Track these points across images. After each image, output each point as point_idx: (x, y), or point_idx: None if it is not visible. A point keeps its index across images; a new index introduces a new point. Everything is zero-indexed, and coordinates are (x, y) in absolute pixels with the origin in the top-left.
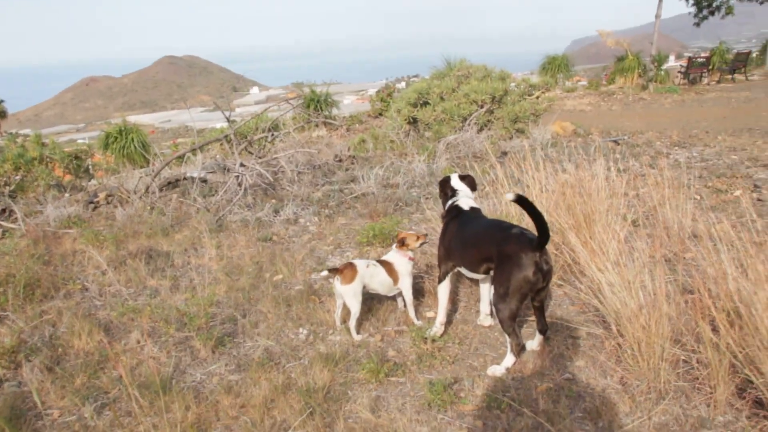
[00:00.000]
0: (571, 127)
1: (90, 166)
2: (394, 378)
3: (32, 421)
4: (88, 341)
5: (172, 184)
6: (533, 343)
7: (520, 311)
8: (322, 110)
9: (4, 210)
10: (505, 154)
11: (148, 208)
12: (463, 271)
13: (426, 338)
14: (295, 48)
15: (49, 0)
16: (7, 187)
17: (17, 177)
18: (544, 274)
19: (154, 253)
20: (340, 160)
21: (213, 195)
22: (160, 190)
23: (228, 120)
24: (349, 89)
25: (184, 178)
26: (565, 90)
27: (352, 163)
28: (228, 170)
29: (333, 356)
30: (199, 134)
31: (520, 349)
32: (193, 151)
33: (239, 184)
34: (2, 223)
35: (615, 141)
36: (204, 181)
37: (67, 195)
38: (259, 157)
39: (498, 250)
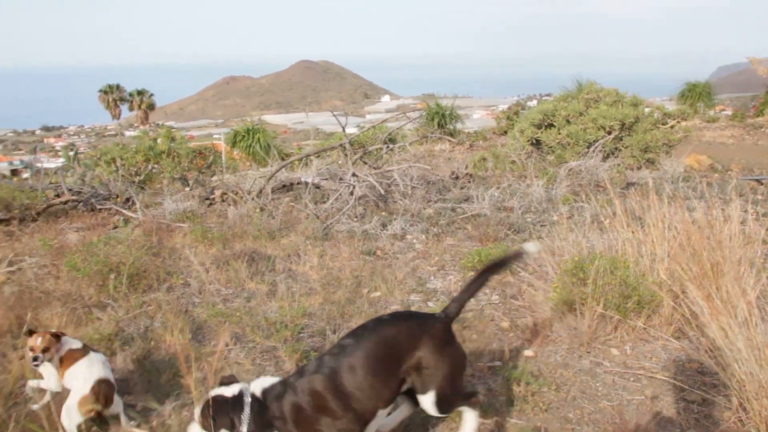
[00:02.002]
0: (707, 161)
1: (214, 163)
2: (480, 420)
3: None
4: (179, 338)
5: (286, 187)
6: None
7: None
8: (445, 124)
9: (128, 199)
10: (630, 185)
11: (259, 209)
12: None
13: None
14: (427, 58)
15: (199, 1)
16: (137, 177)
17: (146, 168)
18: None
19: (257, 255)
20: (457, 177)
21: (324, 202)
22: (274, 192)
23: (343, 128)
24: (479, 104)
25: (299, 183)
26: (705, 120)
27: (469, 181)
28: (341, 179)
29: None
30: (327, 138)
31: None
32: (310, 156)
33: (351, 194)
34: (124, 211)
35: (758, 180)
36: (317, 186)
37: (187, 189)
38: (374, 168)
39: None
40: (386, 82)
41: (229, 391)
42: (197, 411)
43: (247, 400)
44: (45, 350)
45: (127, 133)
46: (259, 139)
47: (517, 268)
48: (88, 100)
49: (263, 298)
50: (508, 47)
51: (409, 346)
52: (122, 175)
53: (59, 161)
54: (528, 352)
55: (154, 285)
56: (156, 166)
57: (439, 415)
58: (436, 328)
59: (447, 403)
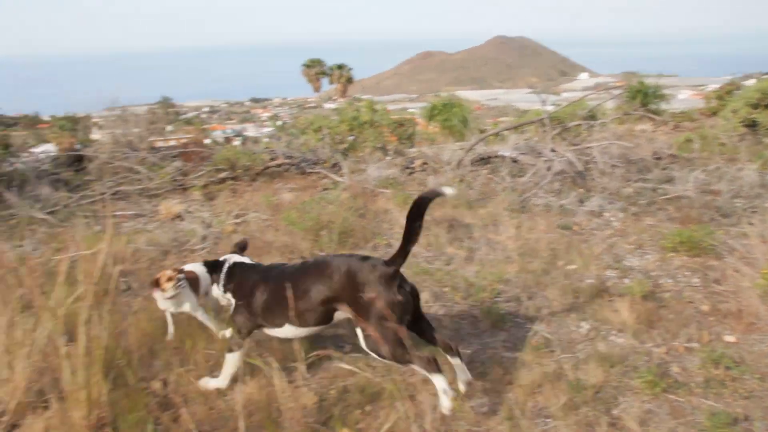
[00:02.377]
0: None
1: (413, 134)
2: (673, 396)
3: (329, 348)
4: None
5: (484, 159)
6: None
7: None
8: (648, 103)
9: (335, 164)
10: None
11: (458, 180)
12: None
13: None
14: (629, 36)
15: None
16: (341, 145)
17: (350, 137)
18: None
19: (456, 223)
20: (659, 158)
21: (521, 176)
22: (472, 164)
23: (543, 104)
24: (686, 83)
25: (496, 156)
26: None
27: (672, 163)
28: (539, 154)
29: (610, 357)
30: (521, 115)
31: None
32: (508, 130)
33: (548, 169)
34: (332, 175)
35: None
36: (515, 161)
37: (388, 158)
38: (572, 145)
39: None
40: (585, 59)
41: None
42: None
43: (225, 267)
44: None
45: (326, 106)
46: (456, 113)
47: (722, 252)
48: (291, 74)
49: (461, 262)
50: (721, 23)
51: (351, 282)
52: (328, 143)
53: (265, 130)
54: (729, 338)
55: (360, 243)
56: (359, 135)
57: (371, 353)
58: (378, 272)
59: (373, 342)
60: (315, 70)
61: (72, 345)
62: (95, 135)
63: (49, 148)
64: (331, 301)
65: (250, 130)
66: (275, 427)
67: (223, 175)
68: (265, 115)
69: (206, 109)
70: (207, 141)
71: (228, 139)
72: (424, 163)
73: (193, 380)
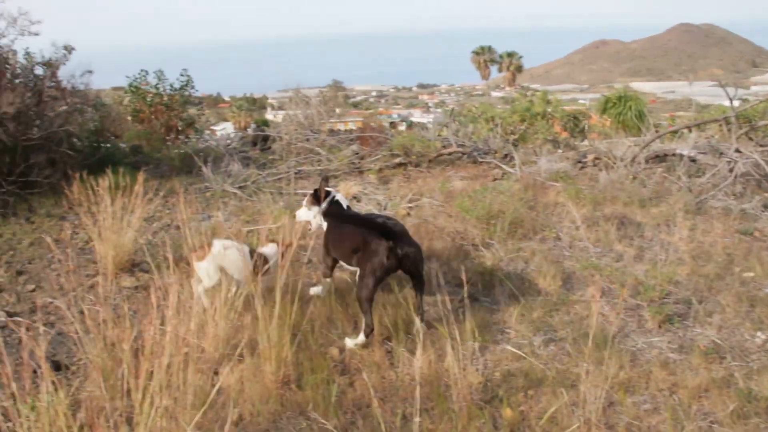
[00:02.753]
0: None
1: (585, 128)
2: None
3: (494, 332)
4: (550, 283)
5: (659, 157)
6: None
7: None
8: None
9: (506, 155)
10: None
11: (631, 177)
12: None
13: None
14: None
15: None
16: (512, 136)
17: (521, 128)
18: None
19: (627, 220)
20: None
21: (699, 176)
22: (646, 161)
23: (731, 100)
24: None
25: (673, 154)
26: None
27: None
28: (721, 154)
29: None
30: (701, 110)
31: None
32: (688, 128)
33: (730, 170)
34: (503, 166)
35: None
36: (693, 160)
37: (559, 151)
38: (760, 146)
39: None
40: None
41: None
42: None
43: (330, 197)
44: None
45: (494, 94)
46: (631, 107)
47: None
48: (460, 60)
49: (630, 260)
50: None
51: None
52: (500, 133)
53: (430, 116)
54: None
55: (528, 234)
56: (530, 127)
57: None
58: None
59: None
60: (484, 57)
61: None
62: (269, 115)
63: (228, 126)
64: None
65: (416, 116)
66: (443, 400)
67: (397, 160)
68: (432, 101)
69: (374, 94)
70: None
71: (393, 124)
72: (597, 158)
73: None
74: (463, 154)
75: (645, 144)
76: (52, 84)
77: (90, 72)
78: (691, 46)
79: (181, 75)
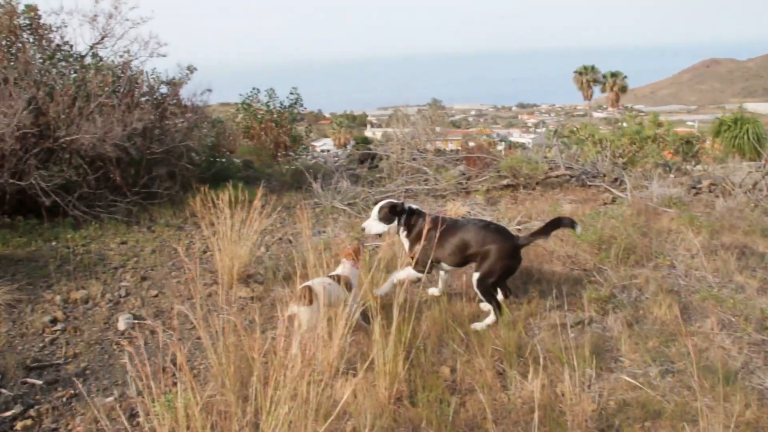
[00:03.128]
0: None
1: (698, 152)
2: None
3: (608, 360)
4: (666, 312)
5: None
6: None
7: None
8: None
9: (616, 179)
10: None
11: (752, 205)
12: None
13: None
14: None
15: None
16: (621, 159)
17: (630, 151)
18: None
19: (748, 250)
20: None
21: None
22: None
23: None
24: None
25: None
26: None
27: None
28: None
29: None
30: None
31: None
32: None
33: None
34: (613, 190)
35: None
36: None
37: (671, 176)
38: None
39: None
40: None
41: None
42: (375, 209)
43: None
44: None
45: (596, 114)
46: (748, 130)
47: None
48: (561, 80)
49: (753, 292)
50: None
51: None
52: (608, 156)
53: (530, 137)
54: None
55: (641, 261)
56: (639, 150)
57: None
58: (509, 241)
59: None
60: (587, 77)
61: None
62: (368, 132)
63: (328, 142)
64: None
65: (515, 136)
66: (557, 427)
67: (505, 182)
68: (531, 120)
69: (473, 113)
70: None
71: (491, 144)
72: (713, 184)
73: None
74: (571, 176)
75: None
76: (174, 101)
77: (209, 91)
78: None
79: (291, 93)
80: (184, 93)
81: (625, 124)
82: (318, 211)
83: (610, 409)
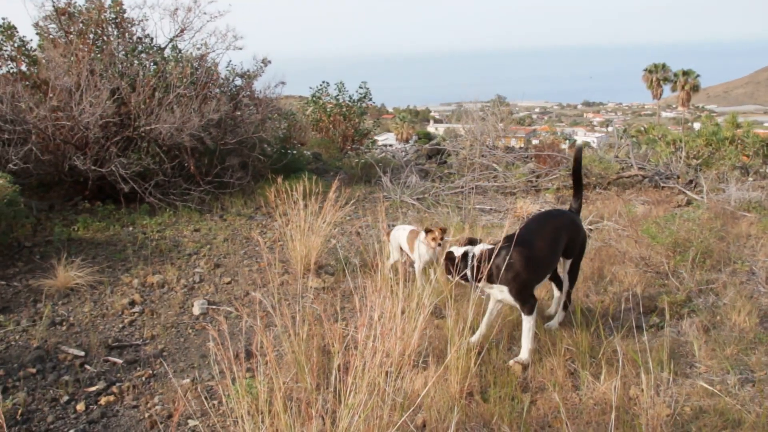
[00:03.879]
0: None
1: None
2: None
3: (683, 365)
4: (745, 319)
5: None
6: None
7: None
8: None
9: (691, 181)
10: None
11: None
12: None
13: None
14: None
15: None
16: (695, 161)
17: (705, 153)
18: None
19: None
20: None
21: None
22: None
23: None
24: None
25: None
26: None
27: None
28: None
29: None
30: None
31: None
32: None
33: None
34: (688, 192)
35: None
36: None
37: (750, 179)
38: None
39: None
40: None
41: (460, 251)
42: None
43: (470, 256)
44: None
45: (664, 114)
46: None
47: None
48: (630, 78)
49: None
50: None
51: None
52: (682, 158)
53: (595, 135)
54: None
55: (717, 266)
56: (716, 152)
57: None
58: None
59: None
60: (657, 75)
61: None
62: (430, 128)
63: (390, 137)
64: None
65: (580, 135)
66: (630, 429)
67: None
68: (597, 119)
69: (537, 110)
70: (564, 146)
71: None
72: None
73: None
74: (644, 177)
75: None
76: (248, 94)
77: (283, 83)
78: None
79: (360, 87)
80: (258, 85)
81: (697, 125)
82: (387, 204)
83: (686, 415)
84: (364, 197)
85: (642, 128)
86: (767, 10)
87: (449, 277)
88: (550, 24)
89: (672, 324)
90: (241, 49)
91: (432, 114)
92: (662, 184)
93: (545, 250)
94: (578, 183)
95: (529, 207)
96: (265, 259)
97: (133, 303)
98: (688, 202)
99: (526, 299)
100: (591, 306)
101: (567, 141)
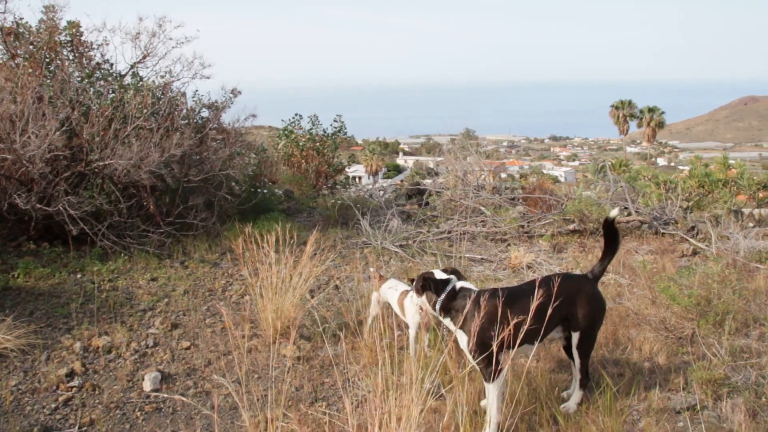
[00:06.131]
0: None
1: None
2: None
3: None
4: None
5: None
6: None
7: None
8: None
9: (693, 227)
10: None
11: None
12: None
13: None
14: None
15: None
16: (687, 203)
17: (697, 195)
18: None
19: None
20: None
21: None
22: None
23: None
24: None
25: None
26: None
27: None
28: None
29: None
30: None
31: None
32: None
33: None
34: (692, 240)
35: None
36: None
37: (750, 225)
38: None
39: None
40: None
41: (442, 275)
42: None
43: (450, 287)
44: None
45: (629, 149)
46: None
47: None
48: (596, 113)
49: None
50: None
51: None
52: (672, 199)
53: (563, 170)
54: None
55: (742, 329)
56: (708, 195)
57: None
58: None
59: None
60: (623, 111)
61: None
62: (400, 160)
63: (359, 169)
64: None
65: (547, 168)
66: None
67: (572, 227)
68: (564, 153)
69: (505, 144)
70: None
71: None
72: None
73: None
74: (642, 222)
75: None
76: (215, 126)
77: (254, 116)
78: None
79: (335, 120)
80: (226, 117)
81: (661, 161)
82: (367, 251)
83: None
84: (342, 242)
85: (610, 163)
86: (727, 53)
87: (416, 296)
88: (519, 61)
89: (710, 405)
90: (208, 77)
91: (401, 146)
92: (662, 231)
93: (525, 314)
94: (610, 245)
95: (524, 256)
96: (229, 320)
97: (71, 374)
98: (694, 252)
99: (486, 361)
100: (608, 381)
101: (556, 181)
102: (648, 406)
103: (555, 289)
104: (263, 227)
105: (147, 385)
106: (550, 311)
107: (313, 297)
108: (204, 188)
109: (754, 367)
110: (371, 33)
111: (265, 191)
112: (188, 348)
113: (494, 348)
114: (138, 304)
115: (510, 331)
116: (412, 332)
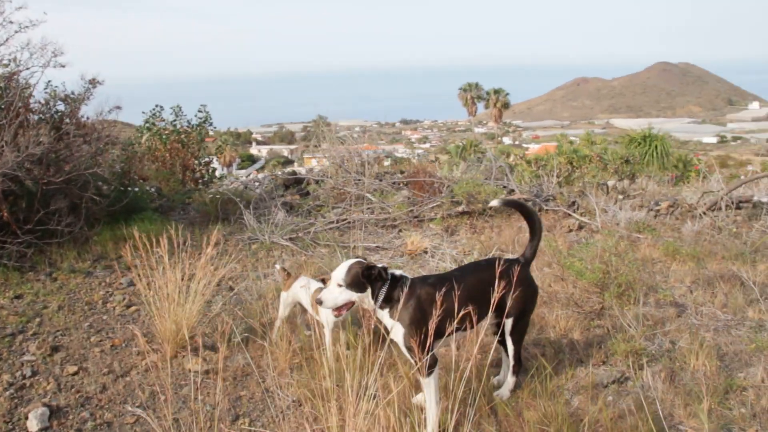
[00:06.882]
0: None
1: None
2: None
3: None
4: (705, 363)
5: (732, 205)
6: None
7: None
8: None
9: (574, 203)
10: None
11: (718, 227)
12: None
13: None
14: None
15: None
16: (556, 179)
17: (567, 171)
18: None
19: (740, 279)
20: None
21: None
22: (728, 208)
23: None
24: None
25: (747, 201)
26: None
27: None
28: None
29: None
30: (680, 146)
31: None
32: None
33: None
34: (577, 216)
35: None
36: None
37: (621, 197)
38: None
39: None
40: (759, 86)
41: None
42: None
43: (388, 276)
44: None
45: (477, 130)
46: (656, 147)
47: None
48: (447, 97)
49: None
50: None
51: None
52: (555, 178)
53: (417, 152)
54: None
55: (639, 297)
56: (576, 170)
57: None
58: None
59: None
60: (471, 94)
61: None
62: (253, 150)
63: (212, 160)
64: None
65: (400, 151)
66: None
67: (460, 209)
68: (414, 136)
69: (357, 129)
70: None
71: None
72: (671, 206)
73: None
74: (526, 201)
75: (729, 190)
76: (74, 121)
77: (119, 108)
78: (670, 84)
79: (200, 111)
80: (89, 111)
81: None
82: (255, 247)
83: None
84: (226, 239)
85: (461, 144)
86: (562, 35)
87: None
88: (369, 48)
89: (632, 375)
90: (63, 66)
91: (254, 136)
92: (545, 207)
93: (460, 301)
94: (531, 225)
95: (421, 241)
96: (119, 334)
97: None
98: (580, 226)
99: (422, 354)
100: (531, 361)
101: (389, 159)
102: (577, 383)
103: (486, 274)
104: (141, 229)
105: (33, 425)
106: (482, 297)
107: (209, 302)
108: (67, 190)
109: (667, 335)
110: (216, 24)
111: (136, 189)
112: (76, 373)
113: (430, 339)
114: (3, 328)
115: (447, 320)
116: (328, 332)
